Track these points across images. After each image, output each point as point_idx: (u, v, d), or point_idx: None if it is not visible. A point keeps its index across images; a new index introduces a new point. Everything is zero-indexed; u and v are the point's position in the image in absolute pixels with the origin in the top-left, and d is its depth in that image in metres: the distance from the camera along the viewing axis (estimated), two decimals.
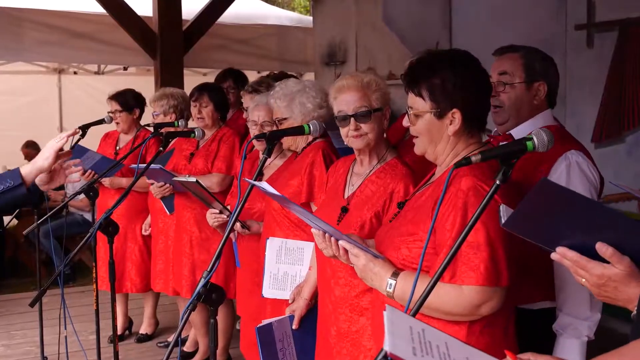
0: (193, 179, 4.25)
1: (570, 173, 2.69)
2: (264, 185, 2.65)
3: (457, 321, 2.29)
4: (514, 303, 2.49)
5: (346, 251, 2.44)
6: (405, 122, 2.45)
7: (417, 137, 2.44)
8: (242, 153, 3.06)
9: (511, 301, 2.39)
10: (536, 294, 2.76)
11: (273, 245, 3.62)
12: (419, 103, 2.38)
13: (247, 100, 4.80)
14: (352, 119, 2.93)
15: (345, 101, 2.95)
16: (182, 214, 5.10)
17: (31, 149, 9.62)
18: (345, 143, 3.02)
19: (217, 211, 4.17)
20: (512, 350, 2.34)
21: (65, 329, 3.86)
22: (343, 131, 2.98)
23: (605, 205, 1.67)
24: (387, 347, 1.47)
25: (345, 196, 3.03)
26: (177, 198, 5.07)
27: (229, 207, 4.21)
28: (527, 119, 2.88)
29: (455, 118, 2.33)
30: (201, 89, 5.20)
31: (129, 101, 5.78)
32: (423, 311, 2.24)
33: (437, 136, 2.38)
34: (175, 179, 4.60)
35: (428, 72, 2.36)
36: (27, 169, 3.03)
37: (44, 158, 3.02)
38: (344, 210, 2.96)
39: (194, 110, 5.12)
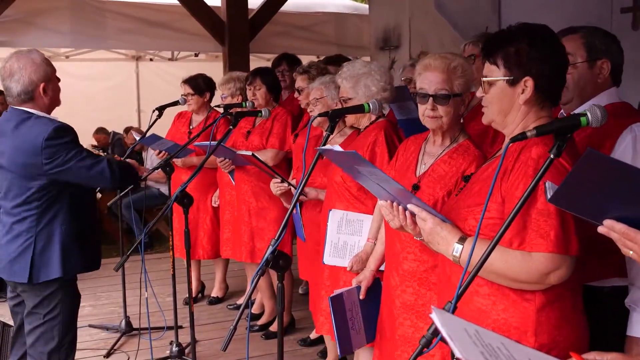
0: (249, 153, 4.30)
1: (636, 145, 2.46)
2: (336, 147, 2.57)
3: (527, 298, 2.16)
4: (583, 279, 2.35)
5: (413, 220, 2.33)
6: (479, 93, 2.33)
7: (486, 106, 2.33)
8: (304, 129, 3.03)
9: (580, 276, 2.26)
10: (606, 271, 2.57)
11: (335, 217, 3.61)
12: (493, 71, 2.27)
13: (299, 81, 4.80)
14: (430, 99, 2.78)
15: (428, 80, 2.80)
16: (240, 187, 5.17)
17: (101, 134, 9.86)
18: (421, 121, 2.88)
19: (279, 180, 4.19)
20: (581, 324, 2.25)
21: (146, 291, 3.92)
22: (421, 108, 2.84)
23: None
24: (461, 356, 1.39)
25: (417, 174, 2.91)
26: (237, 172, 5.15)
27: (291, 179, 4.22)
28: (592, 98, 2.68)
29: (527, 87, 2.21)
30: (254, 73, 5.25)
31: (200, 85, 5.82)
32: (491, 278, 2.17)
33: (507, 105, 2.26)
34: (237, 152, 4.65)
35: (505, 41, 2.25)
36: None
37: None
38: (415, 187, 2.85)
39: (249, 93, 5.18)
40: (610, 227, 1.63)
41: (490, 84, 2.28)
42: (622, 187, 1.56)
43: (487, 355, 1.43)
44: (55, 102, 3.48)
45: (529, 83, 2.21)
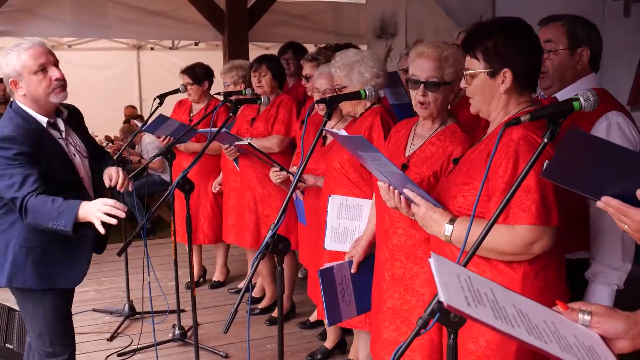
0: (247, 142, 4.29)
1: (609, 133, 2.59)
2: (341, 131, 2.64)
3: (513, 267, 2.29)
4: (565, 249, 2.45)
5: (407, 203, 2.48)
6: (463, 84, 2.47)
7: (471, 97, 2.46)
8: (304, 116, 3.02)
9: (562, 247, 2.37)
10: (574, 245, 2.70)
11: (335, 202, 3.62)
12: (474, 64, 2.39)
13: (307, 68, 4.78)
14: (421, 86, 2.85)
15: (420, 67, 2.86)
16: (246, 173, 5.14)
17: (131, 108, 9.95)
18: (413, 107, 2.95)
19: (278, 169, 4.19)
20: (564, 293, 2.37)
21: (149, 275, 3.92)
22: (412, 94, 2.92)
23: (636, 152, 1.60)
24: (443, 299, 1.42)
25: (406, 154, 2.99)
26: (242, 159, 5.12)
27: (291, 164, 4.22)
28: (571, 83, 2.79)
29: (506, 77, 2.34)
30: (260, 59, 5.20)
31: (198, 74, 5.78)
32: (480, 253, 2.25)
33: (489, 95, 2.39)
34: (236, 143, 4.64)
35: (483, 36, 2.37)
36: (82, 215, 2.96)
37: (95, 217, 2.92)
38: (404, 167, 2.92)
39: (254, 80, 5.14)
40: (606, 203, 1.67)
41: (472, 76, 2.40)
42: (609, 164, 1.61)
43: (470, 300, 1.46)
44: (36, 97, 3.15)
45: (507, 74, 2.34)
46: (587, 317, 1.63)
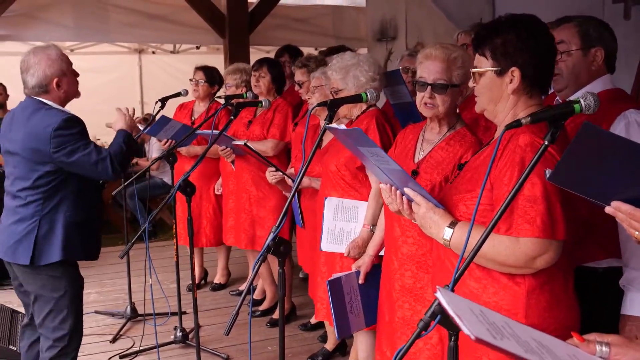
0: (242, 142, 4.31)
1: (629, 131, 2.47)
2: (341, 126, 2.61)
3: (517, 281, 2.17)
4: (576, 261, 2.35)
5: (410, 206, 2.38)
6: (471, 82, 2.35)
7: (478, 96, 2.34)
8: (306, 119, 3.01)
9: (571, 258, 2.25)
10: (601, 252, 2.57)
11: (331, 204, 3.61)
12: (482, 62, 2.29)
13: (298, 74, 4.80)
14: (429, 88, 2.78)
15: (428, 69, 2.80)
16: (241, 175, 5.17)
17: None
18: (412, 105, 2.91)
19: (274, 169, 4.20)
20: (572, 306, 2.25)
21: (150, 278, 3.92)
22: (418, 96, 2.84)
23: None
24: (468, 333, 1.37)
25: (416, 160, 2.91)
26: (237, 161, 5.16)
27: (289, 168, 4.22)
28: (586, 85, 2.67)
29: (514, 77, 2.22)
30: (262, 61, 5.28)
31: (214, 76, 5.88)
32: (479, 262, 2.18)
33: (497, 94, 2.27)
34: (232, 143, 4.65)
35: (492, 33, 2.26)
36: None
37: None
38: (414, 173, 2.84)
39: (253, 79, 5.19)
40: (617, 208, 1.61)
41: (480, 74, 2.30)
42: (623, 163, 1.53)
43: (494, 332, 1.42)
44: (70, 95, 3.57)
45: (515, 73, 2.22)
46: (605, 349, 1.59)
